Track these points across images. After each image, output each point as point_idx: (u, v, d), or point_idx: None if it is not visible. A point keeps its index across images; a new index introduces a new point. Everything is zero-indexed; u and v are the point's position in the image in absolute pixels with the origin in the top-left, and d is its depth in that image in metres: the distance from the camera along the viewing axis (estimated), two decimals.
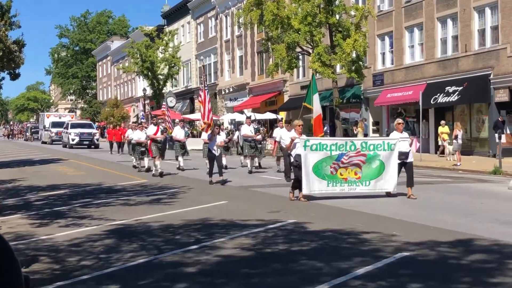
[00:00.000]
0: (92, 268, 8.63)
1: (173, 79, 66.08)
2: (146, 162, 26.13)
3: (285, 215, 13.16)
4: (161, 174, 23.34)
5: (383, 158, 15.60)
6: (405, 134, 16.40)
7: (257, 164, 26.28)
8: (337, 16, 37.54)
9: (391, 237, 10.50)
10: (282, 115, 52.14)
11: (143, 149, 25.93)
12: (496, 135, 27.91)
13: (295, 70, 42.80)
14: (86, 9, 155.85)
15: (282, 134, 21.04)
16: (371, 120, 40.95)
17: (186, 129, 32.50)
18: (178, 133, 26.47)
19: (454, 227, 11.53)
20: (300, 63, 45.65)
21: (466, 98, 32.81)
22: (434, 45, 35.80)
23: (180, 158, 26.30)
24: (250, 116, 31.74)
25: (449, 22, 34.86)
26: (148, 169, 25.60)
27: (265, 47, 42.04)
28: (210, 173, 20.45)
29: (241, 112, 50.95)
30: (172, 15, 74.76)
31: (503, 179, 21.71)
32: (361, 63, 37.07)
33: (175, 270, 8.45)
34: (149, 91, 65.91)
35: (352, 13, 37.20)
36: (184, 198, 16.78)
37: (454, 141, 27.95)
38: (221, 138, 21.35)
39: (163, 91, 63.74)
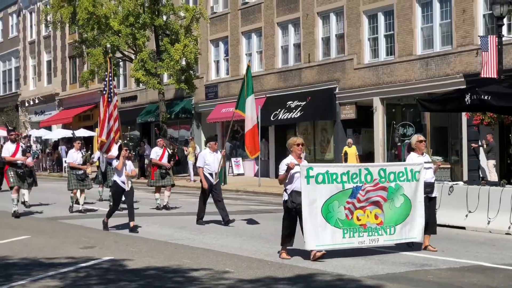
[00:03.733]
0: None
1: None
2: None
3: (100, 252, 13.05)
4: (16, 214, 19.37)
5: (407, 193, 13.23)
6: (427, 157, 14.15)
7: (82, 203, 21.13)
8: (164, 17, 37.82)
9: (223, 274, 10.71)
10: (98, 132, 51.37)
11: None
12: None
13: (114, 79, 42.48)
14: None
15: (207, 157, 17.83)
16: (203, 138, 41.28)
17: (35, 147, 28.60)
18: (17, 153, 20.02)
19: (295, 261, 11.94)
20: (121, 70, 45.48)
21: (310, 114, 33.99)
22: (274, 54, 36.94)
23: (25, 191, 21.25)
24: (73, 133, 29.56)
25: (291, 29, 36.16)
26: None
27: (79, 51, 41.46)
28: (110, 214, 16.80)
29: (49, 129, 49.66)
30: None
31: None
32: (191, 72, 37.55)
33: None
34: None
35: (182, 14, 37.66)
36: None
37: None
38: (131, 165, 17.14)
39: None
